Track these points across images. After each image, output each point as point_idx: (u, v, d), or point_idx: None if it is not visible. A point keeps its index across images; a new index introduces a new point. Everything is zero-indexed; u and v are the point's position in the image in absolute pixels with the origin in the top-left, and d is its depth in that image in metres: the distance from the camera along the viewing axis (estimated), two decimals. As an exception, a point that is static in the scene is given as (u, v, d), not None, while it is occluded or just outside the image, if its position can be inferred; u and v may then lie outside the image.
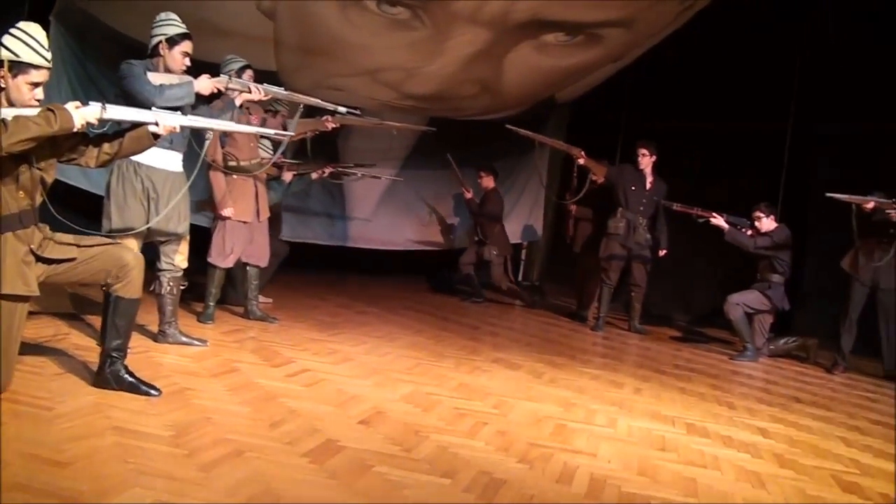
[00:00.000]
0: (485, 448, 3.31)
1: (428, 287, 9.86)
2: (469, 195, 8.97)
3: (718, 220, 6.85)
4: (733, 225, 6.89)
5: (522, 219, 10.42)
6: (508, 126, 7.39)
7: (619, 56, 8.01)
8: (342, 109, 4.99)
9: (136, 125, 3.51)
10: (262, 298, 6.63)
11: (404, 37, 6.89)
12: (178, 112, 3.89)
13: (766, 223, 6.90)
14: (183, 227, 4.54)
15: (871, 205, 6.28)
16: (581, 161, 7.64)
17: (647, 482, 3.11)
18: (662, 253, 7.60)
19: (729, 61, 9.08)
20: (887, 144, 7.80)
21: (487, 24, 6.80)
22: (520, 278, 10.99)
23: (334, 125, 6.41)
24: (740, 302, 6.88)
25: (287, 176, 6.64)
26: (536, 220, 10.50)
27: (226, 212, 5.46)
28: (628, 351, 6.68)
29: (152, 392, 3.47)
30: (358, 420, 3.53)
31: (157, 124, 3.51)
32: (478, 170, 9.10)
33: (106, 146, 3.50)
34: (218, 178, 5.49)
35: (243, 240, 5.63)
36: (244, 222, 5.59)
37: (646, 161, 7.51)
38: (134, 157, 4.08)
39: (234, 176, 5.50)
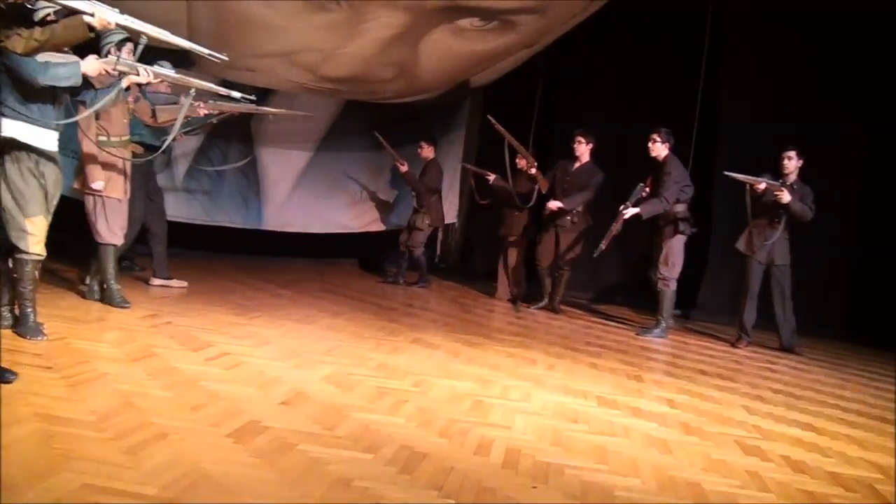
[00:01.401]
0: (406, 424, 3.42)
1: (359, 269, 9.95)
2: (404, 168, 9.01)
3: (629, 212, 6.87)
4: (637, 202, 6.92)
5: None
6: (490, 118, 7.58)
7: (533, 42, 8.17)
8: (235, 94, 4.94)
9: (72, 12, 3.40)
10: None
11: (321, 18, 6.88)
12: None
13: (660, 148, 6.96)
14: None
15: (762, 186, 6.63)
16: (533, 171, 7.91)
17: (561, 451, 3.27)
18: (555, 206, 7.71)
19: (639, 46, 9.38)
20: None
21: (404, 7, 6.86)
22: (435, 260, 11.13)
23: (207, 111, 6.36)
24: (673, 277, 7.09)
25: None
26: (452, 204, 10.61)
27: (97, 185, 5.31)
28: (542, 329, 6.88)
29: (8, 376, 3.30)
30: (280, 401, 3.58)
31: (92, 15, 3.41)
32: (418, 139, 9.16)
33: (37, 32, 3.38)
34: (91, 151, 5.29)
35: (122, 215, 5.51)
36: (118, 199, 5.47)
37: (581, 148, 7.71)
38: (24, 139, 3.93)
39: (106, 151, 5.25)
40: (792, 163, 6.78)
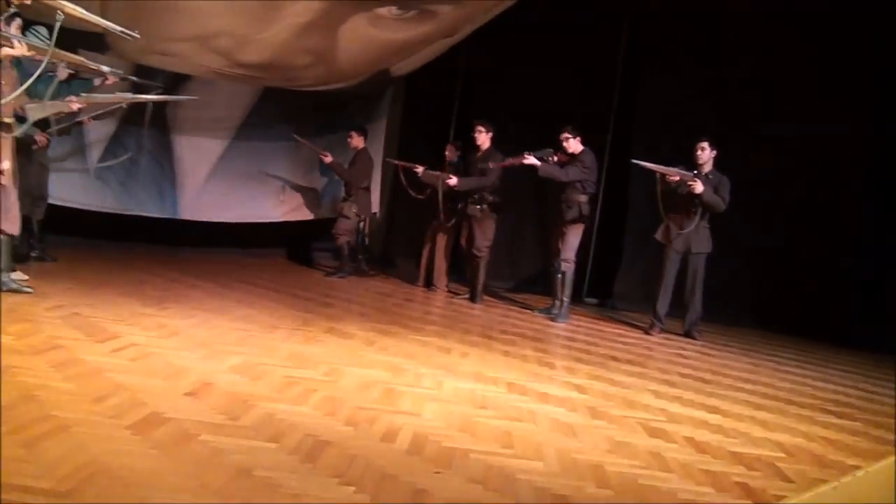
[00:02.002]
0: (312, 413, 3.38)
1: (287, 261, 9.81)
2: (328, 159, 8.98)
3: (530, 160, 7.13)
4: (541, 159, 7.17)
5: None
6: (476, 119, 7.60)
7: (452, 31, 8.15)
8: (105, 69, 4.76)
9: None
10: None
11: (234, 2, 6.73)
12: None
13: (574, 144, 7.24)
14: None
15: (676, 178, 6.77)
16: (451, 183, 7.90)
17: (467, 437, 3.27)
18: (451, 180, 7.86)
19: (558, 37, 9.44)
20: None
21: (320, -7, 6.77)
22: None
23: (80, 105, 6.08)
24: (572, 259, 7.27)
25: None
26: (375, 195, 10.54)
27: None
28: (460, 318, 6.89)
29: None
30: (185, 392, 3.50)
31: None
32: (339, 128, 9.16)
33: None
34: None
35: (12, 202, 5.25)
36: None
37: (481, 137, 7.82)
38: None
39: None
40: (705, 153, 6.92)
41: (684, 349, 6.56)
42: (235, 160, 9.52)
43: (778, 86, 8.58)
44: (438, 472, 2.80)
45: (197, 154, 9.35)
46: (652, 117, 8.74)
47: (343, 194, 9.21)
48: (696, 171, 6.89)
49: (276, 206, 9.86)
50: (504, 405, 3.89)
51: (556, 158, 7.24)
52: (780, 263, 8.62)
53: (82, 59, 4.74)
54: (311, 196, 10.26)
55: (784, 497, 3.04)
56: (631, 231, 8.66)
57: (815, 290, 8.37)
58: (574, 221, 7.26)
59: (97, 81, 6.20)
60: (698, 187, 6.75)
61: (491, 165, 7.40)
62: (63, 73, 5.80)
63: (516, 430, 3.46)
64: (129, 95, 5.95)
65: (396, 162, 8.94)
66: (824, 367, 6.52)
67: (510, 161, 7.31)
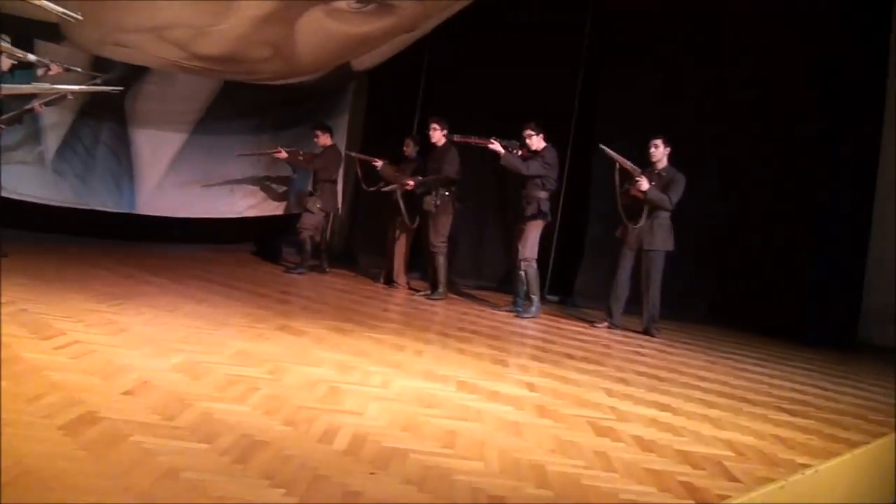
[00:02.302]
0: (251, 413, 3.29)
1: (252, 257, 9.69)
2: (283, 155, 9.01)
3: (495, 146, 7.13)
4: (506, 148, 7.17)
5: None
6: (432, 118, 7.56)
7: (413, 26, 8.07)
8: (31, 58, 4.63)
9: None
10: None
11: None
12: None
13: (536, 141, 7.25)
14: None
15: (628, 164, 6.79)
16: (410, 186, 7.92)
17: (409, 437, 3.20)
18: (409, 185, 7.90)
19: (522, 34, 9.40)
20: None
21: (277, -15, 6.67)
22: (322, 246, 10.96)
23: None
24: (534, 257, 7.24)
25: None
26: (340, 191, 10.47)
27: None
28: (417, 316, 6.82)
29: None
30: (122, 391, 3.39)
31: None
32: (313, 129, 9.10)
33: None
34: None
35: None
36: None
37: (436, 135, 7.80)
38: None
39: None
40: (659, 150, 6.96)
41: (643, 347, 6.54)
42: (194, 154, 9.39)
43: (738, 86, 8.63)
44: (374, 474, 2.72)
45: (156, 148, 9.21)
46: (614, 115, 8.70)
47: (309, 189, 9.14)
48: (650, 169, 6.94)
49: (235, 201, 9.74)
50: (451, 404, 3.82)
51: (520, 152, 7.21)
52: (742, 261, 8.63)
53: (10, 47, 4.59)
54: (278, 191, 10.15)
55: (728, 497, 3.00)
56: (593, 228, 8.65)
57: (775, 288, 8.40)
58: (533, 218, 7.24)
59: (40, 72, 6.07)
60: (643, 184, 6.78)
61: (456, 138, 7.33)
62: (6, 63, 5.68)
63: (461, 430, 3.38)
64: (47, 85, 5.78)
65: (355, 154, 8.85)
66: (782, 365, 6.51)
67: (476, 140, 7.26)
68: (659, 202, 6.87)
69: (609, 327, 7.16)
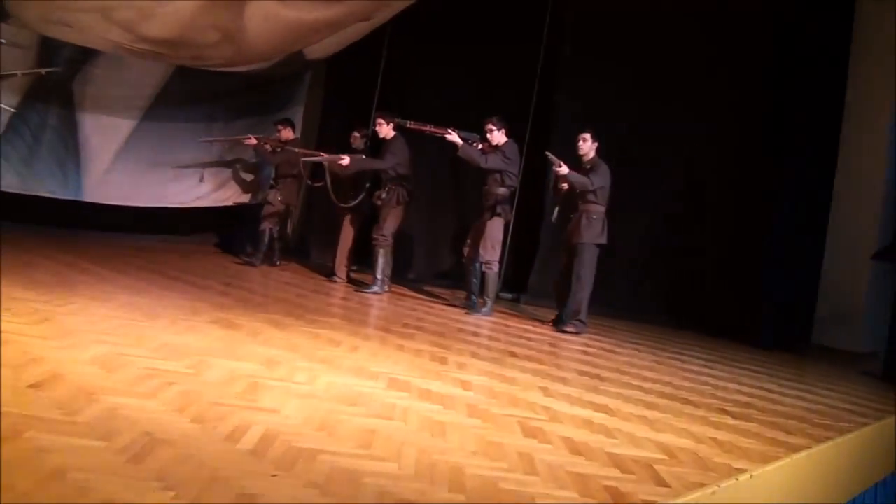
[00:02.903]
0: (159, 409, 3.11)
1: (209, 248, 9.50)
2: (252, 141, 8.89)
3: (453, 136, 7.02)
4: (465, 140, 7.05)
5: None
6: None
7: (368, 15, 7.91)
8: None
9: None
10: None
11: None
12: None
13: (497, 136, 7.14)
14: None
15: (563, 169, 6.77)
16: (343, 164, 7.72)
17: (323, 436, 3.04)
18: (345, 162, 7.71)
19: (482, 27, 9.29)
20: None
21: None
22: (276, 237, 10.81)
23: None
24: (495, 259, 7.15)
25: None
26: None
27: None
28: (362, 310, 6.68)
29: None
30: (29, 384, 3.20)
31: None
32: (275, 124, 9.05)
33: None
34: None
35: None
36: None
37: (383, 129, 7.70)
38: None
39: None
40: (587, 144, 6.97)
41: (589, 346, 6.45)
42: (145, 141, 9.16)
43: (695, 87, 8.59)
44: (275, 475, 2.57)
45: (104, 134, 8.97)
46: (572, 113, 8.60)
47: (271, 181, 9.09)
48: (579, 161, 6.97)
49: (185, 190, 9.52)
50: (377, 402, 3.66)
51: (480, 146, 7.07)
52: (696, 262, 8.60)
53: None
54: (233, 181, 9.95)
55: (653, 502, 2.89)
56: (547, 225, 8.53)
57: (728, 290, 8.38)
58: (493, 215, 7.13)
59: None
60: (562, 169, 6.76)
61: (411, 125, 7.18)
62: None
63: (381, 429, 3.23)
64: None
65: (298, 150, 8.67)
66: (731, 367, 6.46)
67: (432, 128, 7.12)
68: (580, 184, 6.83)
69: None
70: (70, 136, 8.78)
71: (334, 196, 8.05)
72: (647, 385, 5.07)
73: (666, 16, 8.65)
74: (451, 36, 9.40)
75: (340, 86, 10.21)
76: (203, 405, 3.22)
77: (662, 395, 4.83)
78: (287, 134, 8.93)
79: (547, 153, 6.92)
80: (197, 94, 9.24)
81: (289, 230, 9.77)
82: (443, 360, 4.91)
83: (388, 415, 3.48)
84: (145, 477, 2.43)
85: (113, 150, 9.04)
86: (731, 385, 5.56)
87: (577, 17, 9.01)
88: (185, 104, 9.23)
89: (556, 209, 7.08)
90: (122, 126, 9.05)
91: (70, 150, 8.83)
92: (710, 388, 5.34)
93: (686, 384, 5.33)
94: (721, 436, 3.99)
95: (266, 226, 8.73)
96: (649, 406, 4.44)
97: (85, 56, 8.29)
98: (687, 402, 4.73)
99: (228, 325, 5.06)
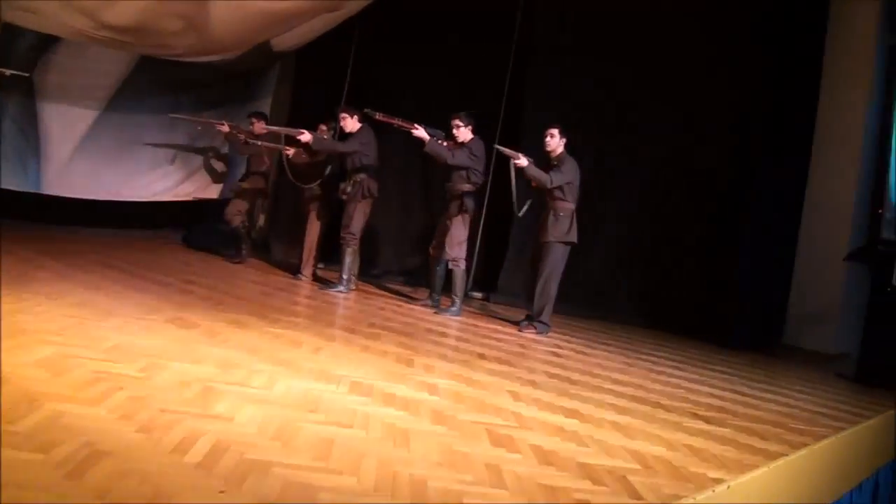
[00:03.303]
0: (105, 417, 2.92)
1: (181, 243, 9.30)
2: (225, 128, 8.70)
3: (419, 132, 6.87)
4: (431, 136, 6.92)
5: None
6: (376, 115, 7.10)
7: (336, 6, 7.71)
8: None
9: None
10: None
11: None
12: None
13: (464, 132, 7.01)
14: None
15: (522, 161, 6.61)
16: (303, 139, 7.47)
17: (278, 447, 2.86)
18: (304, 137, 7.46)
19: (452, 20, 9.15)
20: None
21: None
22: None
23: None
24: (462, 257, 7.04)
25: None
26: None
27: None
28: (328, 310, 6.49)
29: None
30: (-33, 389, 3.01)
31: None
32: (248, 117, 8.87)
33: None
34: None
35: None
36: None
37: (348, 124, 7.48)
38: None
39: None
40: (554, 140, 6.84)
41: (560, 347, 6.32)
42: (106, 132, 8.93)
43: (664, 86, 8.54)
44: (223, 492, 2.39)
45: (65, 124, 8.73)
46: (542, 107, 8.47)
47: (241, 176, 8.94)
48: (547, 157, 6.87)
49: (149, 184, 9.29)
50: (338, 408, 3.49)
51: (445, 143, 6.95)
52: (667, 262, 8.54)
53: None
54: (198, 175, 9.74)
55: (625, 517, 2.76)
56: (515, 226, 8.42)
57: (700, 290, 8.31)
58: (458, 213, 7.01)
59: None
60: (521, 162, 6.66)
61: (379, 116, 6.97)
62: None
63: (341, 439, 3.06)
64: None
65: (263, 143, 8.47)
66: (703, 369, 6.37)
67: (399, 122, 6.94)
68: (538, 178, 6.71)
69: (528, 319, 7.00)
70: (30, 126, 8.53)
71: (293, 178, 7.88)
72: (618, 388, 4.95)
73: (636, 14, 8.61)
74: (422, 31, 9.28)
75: (310, 79, 10.00)
76: (151, 412, 3.04)
77: (634, 398, 4.71)
78: (260, 128, 8.73)
79: (497, 146, 6.84)
80: (161, 84, 9.03)
81: (259, 224, 9.57)
82: (409, 362, 4.75)
83: (349, 422, 3.31)
84: (82, 494, 2.25)
85: (74, 141, 8.81)
86: (703, 388, 5.47)
87: (547, 13, 8.90)
88: (149, 95, 9.01)
89: (528, 203, 6.94)
90: (84, 116, 8.83)
91: (30, 140, 8.57)
92: (682, 391, 5.24)
93: (658, 387, 5.22)
94: (696, 442, 3.87)
95: (238, 220, 8.59)
96: (621, 411, 4.32)
97: (46, 43, 8.04)
98: (659, 405, 4.62)
99: (186, 324, 4.86)
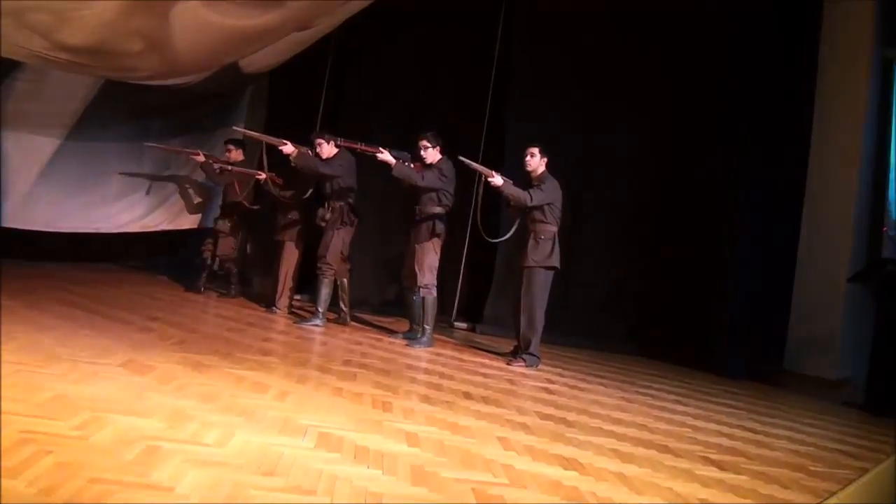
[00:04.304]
0: (23, 491, 2.44)
1: (134, 274, 8.83)
2: (201, 158, 8.39)
3: (385, 156, 6.54)
4: (398, 159, 6.58)
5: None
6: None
7: (306, 24, 7.29)
8: None
9: None
10: None
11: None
12: None
13: (432, 154, 6.69)
14: None
15: (497, 180, 6.33)
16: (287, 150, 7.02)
17: (223, 526, 2.41)
18: (287, 149, 7.02)
19: (432, 41, 8.85)
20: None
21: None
22: (216, 267, 10.20)
23: None
24: (433, 283, 6.68)
25: None
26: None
27: None
28: (300, 347, 5.99)
29: None
30: None
31: None
32: (224, 144, 8.49)
33: None
34: None
35: None
36: None
37: (324, 149, 7.13)
38: None
39: None
40: (534, 160, 6.53)
41: (552, 382, 5.89)
42: (69, 162, 8.46)
43: (650, 103, 8.26)
44: None
45: (25, 153, 8.26)
46: (526, 128, 8.09)
47: (220, 206, 8.56)
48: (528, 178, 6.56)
49: (114, 214, 8.82)
50: (301, 468, 3.00)
51: (412, 165, 6.60)
52: (661, 286, 8.18)
53: None
54: (167, 204, 9.29)
55: None
56: (501, 252, 8.02)
57: (695, 315, 7.95)
58: (429, 237, 6.63)
59: None
60: (496, 180, 6.33)
61: (341, 142, 6.67)
62: None
63: (299, 509, 2.61)
64: None
65: (236, 169, 8.06)
66: (704, 402, 5.96)
67: (363, 146, 6.61)
68: (518, 199, 6.37)
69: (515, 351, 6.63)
70: (-12, 159, 8.06)
71: (279, 195, 7.53)
72: (618, 429, 4.51)
73: (619, 30, 8.33)
74: (401, 51, 8.95)
75: (284, 103, 9.59)
76: (80, 483, 2.56)
77: (638, 441, 4.27)
78: (237, 155, 8.35)
79: (462, 158, 6.45)
80: (127, 110, 8.59)
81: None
82: (386, 406, 4.28)
83: (311, 486, 2.82)
84: None
85: (35, 171, 8.32)
86: (709, 425, 5.04)
87: (528, 32, 8.59)
88: (115, 121, 8.56)
89: (514, 227, 6.58)
90: (46, 145, 8.34)
91: (-11, 172, 8.11)
92: (687, 429, 4.81)
93: (661, 426, 4.79)
94: (711, 495, 3.44)
95: (229, 261, 8.28)
96: (625, 458, 3.87)
97: (5, 68, 7.59)
98: (666, 449, 4.18)
99: (139, 368, 4.37)
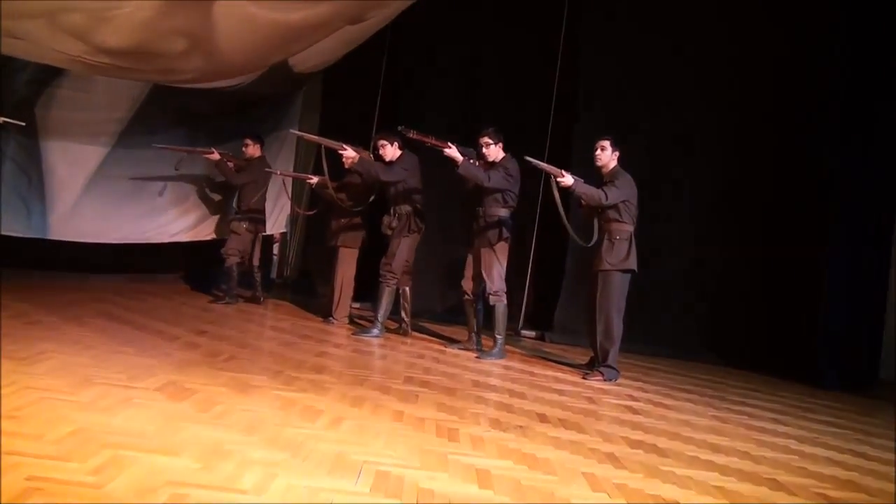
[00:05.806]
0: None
1: (187, 286, 8.61)
2: (215, 156, 7.95)
3: (452, 152, 6.09)
4: (465, 156, 6.14)
5: (268, 209, 9.13)
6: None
7: (357, 17, 6.85)
8: None
9: None
10: None
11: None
12: None
13: (495, 150, 6.25)
14: None
15: (568, 180, 5.77)
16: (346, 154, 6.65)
17: None
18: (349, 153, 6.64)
19: (491, 38, 8.43)
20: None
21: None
22: (273, 275, 9.87)
23: None
24: (503, 289, 6.23)
25: None
26: (283, 211, 9.30)
27: None
28: (358, 362, 5.53)
29: None
30: None
31: None
32: (242, 137, 8.07)
33: None
34: None
35: None
36: None
37: (387, 152, 6.73)
38: None
39: None
40: (605, 153, 5.99)
41: (635, 399, 5.31)
42: (116, 171, 8.17)
43: (733, 93, 7.70)
44: None
45: (71, 163, 7.99)
46: (593, 130, 7.56)
47: (234, 207, 8.14)
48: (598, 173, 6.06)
49: (163, 225, 8.50)
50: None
51: (476, 163, 6.10)
52: (740, 290, 7.59)
53: None
54: (213, 213, 8.96)
55: None
56: (571, 256, 7.47)
57: (778, 322, 7.34)
58: (496, 241, 6.17)
59: None
60: (566, 180, 5.78)
61: (414, 135, 6.13)
62: None
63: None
64: None
65: (284, 173, 7.69)
66: (805, 420, 5.32)
67: (433, 141, 6.13)
68: (591, 197, 5.83)
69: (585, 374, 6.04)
70: (33, 167, 7.80)
71: (336, 198, 7.06)
72: (719, 459, 3.92)
73: (698, 14, 7.75)
74: (457, 48, 8.53)
75: (339, 104, 9.22)
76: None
77: (743, 475, 3.67)
78: (253, 150, 7.99)
79: (528, 158, 5.88)
80: (174, 116, 8.27)
81: (255, 260, 8.65)
82: (452, 435, 3.75)
83: (368, 548, 2.34)
84: None
85: (82, 181, 8.05)
86: (817, 450, 4.42)
87: (594, 21, 8.05)
88: (162, 128, 8.24)
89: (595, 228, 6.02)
90: (92, 154, 8.07)
91: (34, 183, 7.85)
92: (795, 457, 4.20)
93: (766, 454, 4.18)
94: (838, 545, 2.85)
95: (233, 260, 7.82)
96: (732, 497, 3.29)
97: (48, 76, 7.34)
98: (777, 485, 3.58)
99: (178, 392, 3.94)
